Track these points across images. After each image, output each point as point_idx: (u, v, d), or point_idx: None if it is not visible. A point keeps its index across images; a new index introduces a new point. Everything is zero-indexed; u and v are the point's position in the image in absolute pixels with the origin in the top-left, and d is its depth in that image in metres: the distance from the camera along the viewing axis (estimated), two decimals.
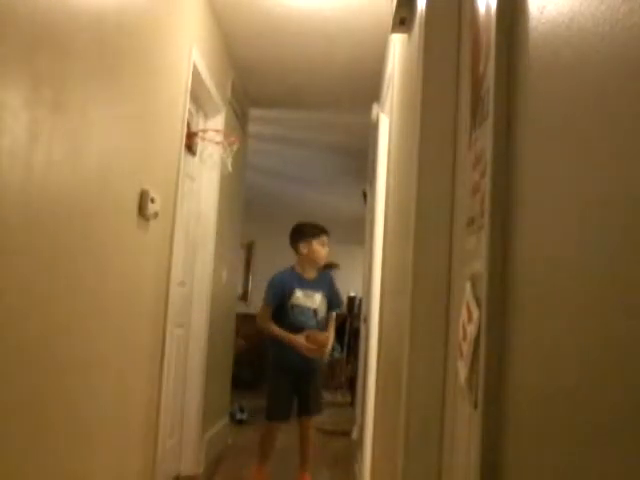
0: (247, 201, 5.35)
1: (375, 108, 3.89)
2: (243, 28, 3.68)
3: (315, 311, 3.72)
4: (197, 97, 3.47)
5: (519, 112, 0.81)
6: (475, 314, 0.90)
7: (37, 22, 1.48)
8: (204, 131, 3.74)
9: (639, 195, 0.46)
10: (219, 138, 3.81)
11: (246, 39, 3.83)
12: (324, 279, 3.88)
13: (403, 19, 2.15)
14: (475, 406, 0.87)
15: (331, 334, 3.82)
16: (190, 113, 3.27)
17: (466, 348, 0.94)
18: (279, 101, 4.93)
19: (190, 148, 3.48)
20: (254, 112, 4.98)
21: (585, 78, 0.59)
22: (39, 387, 1.63)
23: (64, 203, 1.73)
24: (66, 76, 1.69)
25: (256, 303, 8.18)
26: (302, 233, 3.75)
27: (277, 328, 3.64)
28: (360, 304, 6.10)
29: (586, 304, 0.55)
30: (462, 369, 0.98)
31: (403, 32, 2.26)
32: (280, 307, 3.68)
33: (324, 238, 3.75)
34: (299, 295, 3.70)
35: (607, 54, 0.54)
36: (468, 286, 1.00)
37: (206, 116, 3.83)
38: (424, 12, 1.59)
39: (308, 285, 3.73)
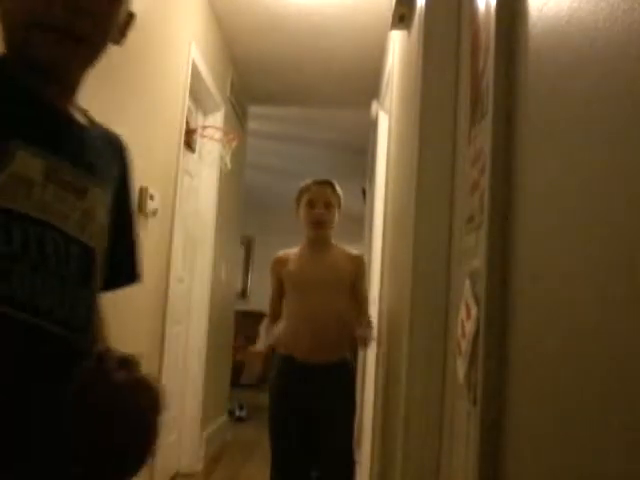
0: (246, 198, 5.35)
1: (374, 105, 3.88)
2: (242, 25, 3.68)
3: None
4: (196, 94, 3.46)
5: (518, 109, 0.81)
6: (474, 311, 0.90)
7: None
8: (203, 128, 3.74)
9: (639, 191, 0.46)
10: (218, 135, 3.81)
11: (245, 36, 3.82)
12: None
13: (403, 16, 2.15)
14: (474, 403, 0.87)
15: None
16: (189, 110, 3.27)
17: (465, 345, 0.94)
18: (278, 98, 4.92)
19: (189, 145, 3.48)
20: (253, 109, 4.97)
21: (584, 75, 0.59)
22: None
23: None
24: None
25: (255, 300, 8.20)
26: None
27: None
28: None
29: (586, 301, 0.55)
30: (461, 366, 0.98)
31: (403, 29, 2.26)
32: None
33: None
34: None
35: (606, 51, 0.53)
36: (467, 283, 1.00)
37: (205, 113, 3.83)
38: (424, 9, 1.59)
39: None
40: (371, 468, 2.83)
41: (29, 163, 0.77)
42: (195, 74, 3.16)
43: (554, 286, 0.64)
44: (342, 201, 2.65)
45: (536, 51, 0.75)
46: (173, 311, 3.06)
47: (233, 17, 3.58)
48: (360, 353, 4.45)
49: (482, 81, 0.99)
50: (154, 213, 2.57)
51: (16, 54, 0.83)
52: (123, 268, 1.05)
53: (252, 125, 5.08)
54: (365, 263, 2.72)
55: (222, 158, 3.93)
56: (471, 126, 1.09)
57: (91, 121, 0.97)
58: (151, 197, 2.48)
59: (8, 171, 0.74)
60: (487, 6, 0.99)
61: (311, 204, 2.57)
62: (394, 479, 1.53)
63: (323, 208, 2.57)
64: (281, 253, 2.66)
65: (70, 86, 0.90)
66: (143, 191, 2.41)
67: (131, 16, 0.95)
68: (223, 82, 3.93)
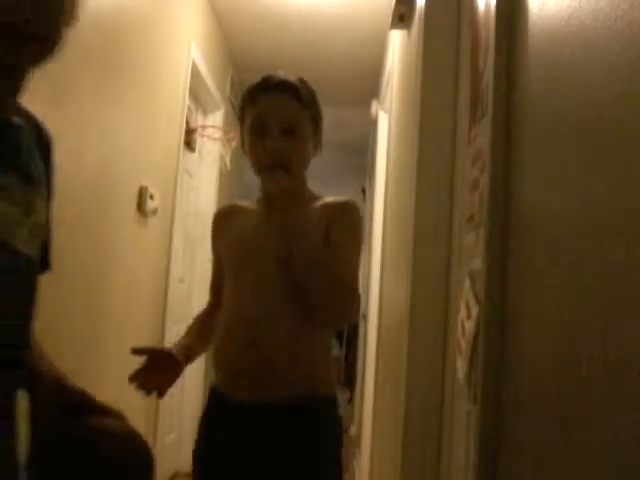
0: (246, 197, 5.34)
1: (374, 105, 3.89)
2: (242, 25, 3.67)
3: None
4: (196, 93, 3.46)
5: (518, 108, 0.81)
6: (474, 311, 0.90)
7: None
8: (203, 127, 3.74)
9: (637, 195, 0.46)
10: (218, 134, 3.81)
11: (245, 35, 3.82)
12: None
13: (402, 15, 2.15)
14: (474, 402, 0.87)
15: None
16: (189, 109, 3.27)
17: (465, 345, 0.94)
18: None
19: (189, 144, 3.48)
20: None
21: (584, 74, 0.59)
22: None
23: (63, 200, 1.72)
24: (64, 73, 1.68)
25: None
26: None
27: None
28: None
29: (585, 298, 0.55)
30: (461, 365, 0.98)
31: (402, 28, 2.26)
32: None
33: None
34: None
35: (606, 51, 0.53)
36: (467, 283, 1.00)
37: (205, 112, 3.83)
38: (423, 8, 1.59)
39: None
40: (371, 468, 2.83)
41: None
42: (195, 74, 3.16)
43: (554, 285, 0.64)
44: (320, 114, 1.47)
45: (536, 51, 0.75)
46: (173, 311, 3.06)
47: (233, 17, 3.58)
48: (358, 349, 4.05)
49: (482, 81, 0.99)
50: (154, 212, 2.58)
51: None
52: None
53: None
54: (354, 212, 1.41)
55: (222, 158, 3.93)
56: (471, 126, 1.09)
57: (22, 114, 0.87)
58: (151, 196, 2.48)
59: None
60: (487, 6, 0.99)
61: (259, 129, 1.37)
62: (394, 479, 1.53)
63: (280, 136, 1.35)
64: (227, 205, 1.64)
65: (16, 85, 0.80)
66: (143, 190, 2.41)
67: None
68: (223, 82, 3.93)
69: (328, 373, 1.38)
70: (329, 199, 1.42)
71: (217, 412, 1.40)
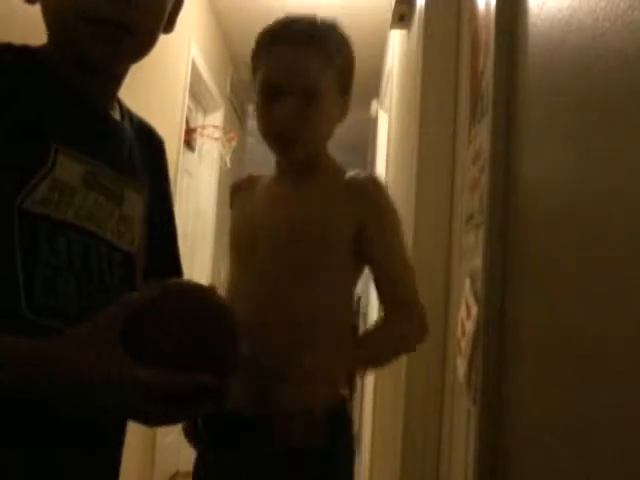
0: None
1: (374, 104, 3.89)
2: (242, 24, 3.67)
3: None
4: (196, 93, 3.46)
5: (518, 108, 0.81)
6: (473, 310, 0.90)
7: (36, 23, 1.47)
8: (203, 127, 3.74)
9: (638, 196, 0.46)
10: (218, 134, 3.81)
11: (245, 35, 3.81)
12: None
13: (402, 15, 2.15)
14: (474, 402, 0.87)
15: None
16: (189, 109, 3.27)
17: (465, 344, 0.94)
18: None
19: (189, 144, 3.48)
20: (253, 108, 4.96)
21: (584, 74, 0.59)
22: None
23: None
24: None
25: None
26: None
27: None
28: (359, 300, 6.10)
29: (585, 298, 0.55)
30: (461, 365, 0.98)
31: (402, 28, 2.26)
32: None
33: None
34: None
35: (606, 50, 0.53)
36: (467, 282, 1.00)
37: (205, 112, 3.83)
38: (423, 8, 1.59)
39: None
40: (371, 468, 2.84)
41: (70, 168, 0.74)
42: (195, 73, 3.16)
43: (554, 285, 0.64)
44: (351, 67, 1.27)
45: (536, 51, 0.75)
46: None
47: (233, 16, 3.58)
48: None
49: (482, 80, 0.99)
50: None
51: (62, 49, 0.78)
52: (165, 271, 0.94)
53: (252, 124, 5.07)
54: (383, 198, 1.15)
55: (222, 157, 3.92)
56: (471, 125, 1.09)
57: (125, 113, 0.91)
58: None
59: (50, 178, 0.71)
60: (487, 5, 0.99)
61: (270, 91, 1.12)
62: (394, 478, 1.53)
63: (294, 102, 1.08)
64: (242, 178, 1.33)
65: (114, 80, 0.85)
66: None
67: (180, 2, 0.88)
68: (223, 81, 3.93)
69: (338, 385, 1.14)
70: (352, 179, 1.12)
71: (210, 424, 1.20)
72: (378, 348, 1.10)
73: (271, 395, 1.03)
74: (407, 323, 1.09)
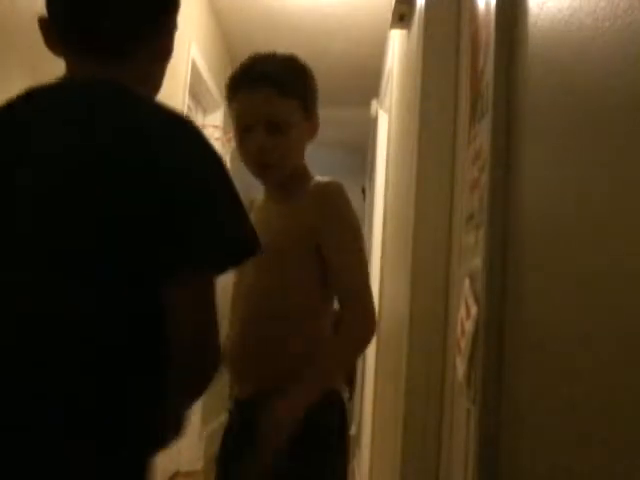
0: (245, 197, 5.34)
1: (374, 104, 3.89)
2: (242, 24, 3.67)
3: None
4: (196, 93, 3.46)
5: (518, 108, 0.81)
6: (473, 311, 0.90)
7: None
8: (203, 127, 3.73)
9: (638, 196, 0.46)
10: (218, 134, 3.81)
11: (245, 35, 3.82)
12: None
13: (402, 15, 2.15)
14: (473, 402, 0.87)
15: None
16: (189, 109, 3.27)
17: (464, 344, 0.94)
18: None
19: None
20: None
21: (584, 74, 0.59)
22: None
23: None
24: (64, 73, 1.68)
25: None
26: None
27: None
28: None
29: (585, 300, 0.55)
30: (460, 365, 0.98)
31: (402, 28, 2.26)
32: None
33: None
34: None
35: (606, 50, 0.53)
36: (467, 282, 1.00)
37: (205, 112, 3.83)
38: (423, 8, 1.59)
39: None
40: (370, 467, 2.84)
41: None
42: (195, 73, 3.16)
43: (554, 285, 0.64)
44: (313, 94, 1.38)
45: (536, 50, 0.75)
46: None
47: (233, 16, 3.58)
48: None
49: (482, 80, 0.99)
50: None
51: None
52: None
53: None
54: (334, 206, 1.28)
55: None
56: (471, 125, 1.09)
57: None
58: None
59: None
60: (487, 5, 0.99)
61: (243, 126, 1.31)
62: (394, 478, 1.53)
63: (264, 134, 1.26)
64: (252, 198, 1.53)
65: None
66: None
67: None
68: (223, 81, 3.93)
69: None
70: (314, 187, 1.30)
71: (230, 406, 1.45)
72: (330, 366, 1.28)
73: (252, 376, 1.31)
74: (354, 321, 1.26)
